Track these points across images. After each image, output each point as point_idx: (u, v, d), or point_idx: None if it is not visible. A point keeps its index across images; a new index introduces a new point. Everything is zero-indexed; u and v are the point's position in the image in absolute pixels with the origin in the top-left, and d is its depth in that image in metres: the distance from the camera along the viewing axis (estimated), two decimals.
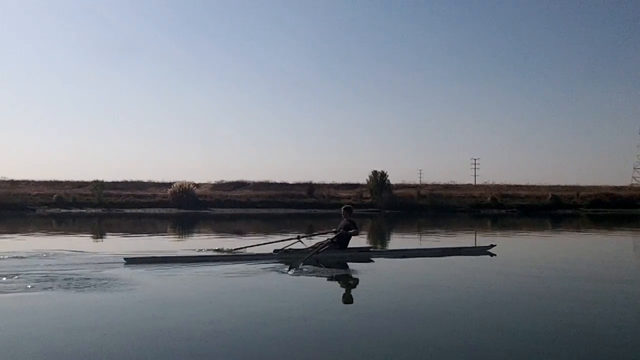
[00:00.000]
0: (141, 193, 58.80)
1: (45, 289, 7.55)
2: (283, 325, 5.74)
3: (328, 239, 11.91)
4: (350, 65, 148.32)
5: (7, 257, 11.02)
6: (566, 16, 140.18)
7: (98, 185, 56.36)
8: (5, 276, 8.44)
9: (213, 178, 73.53)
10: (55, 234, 21.45)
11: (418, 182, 76.97)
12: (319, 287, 8.59)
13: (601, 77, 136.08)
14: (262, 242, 13.02)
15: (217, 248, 12.80)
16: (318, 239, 12.45)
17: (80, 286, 7.73)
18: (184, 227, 28.83)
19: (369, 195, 58.63)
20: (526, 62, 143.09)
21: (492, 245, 13.15)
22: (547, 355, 4.78)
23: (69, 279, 8.28)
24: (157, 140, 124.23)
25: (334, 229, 12.09)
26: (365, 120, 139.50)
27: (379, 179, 58.40)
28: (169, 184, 58.80)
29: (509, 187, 71.19)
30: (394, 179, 69.85)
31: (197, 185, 66.72)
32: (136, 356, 4.65)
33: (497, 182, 75.97)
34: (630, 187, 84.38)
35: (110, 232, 23.76)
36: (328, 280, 9.19)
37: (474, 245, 14.42)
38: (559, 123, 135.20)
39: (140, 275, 8.90)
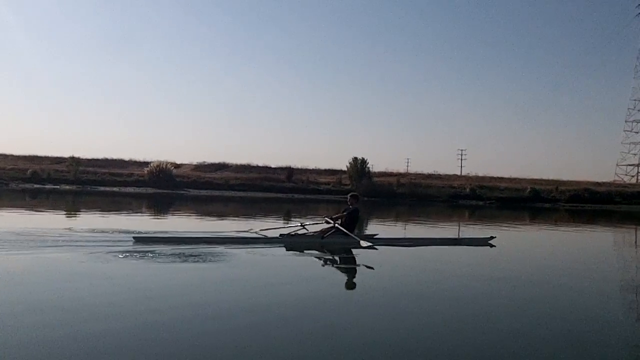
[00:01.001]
0: (118, 171, 59.09)
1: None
2: (284, 311, 5.93)
3: (333, 224, 12.24)
4: (339, 50, 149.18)
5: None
6: (554, 12, 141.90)
7: (74, 161, 56.57)
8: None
9: (195, 159, 74.02)
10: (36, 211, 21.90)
11: (402, 171, 78.00)
12: (323, 274, 8.95)
13: (588, 73, 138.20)
14: (266, 228, 13.43)
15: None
16: (323, 225, 12.79)
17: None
18: (151, 207, 29.44)
19: (348, 182, 59.10)
20: (516, 55, 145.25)
21: (492, 237, 13.64)
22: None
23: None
24: (142, 119, 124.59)
25: (337, 215, 12.58)
26: (353, 106, 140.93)
27: (359, 166, 59.04)
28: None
29: (492, 179, 72.38)
30: (381, 166, 71.04)
31: (178, 166, 67.21)
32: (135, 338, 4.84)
33: (482, 174, 77.31)
34: (613, 183, 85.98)
35: (82, 209, 24.29)
36: (332, 266, 9.69)
37: (474, 237, 14.94)
38: (546, 118, 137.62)
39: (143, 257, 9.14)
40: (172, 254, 9.26)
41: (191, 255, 9.26)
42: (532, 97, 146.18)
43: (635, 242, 19.47)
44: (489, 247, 13.04)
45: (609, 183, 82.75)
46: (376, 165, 71.04)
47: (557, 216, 37.35)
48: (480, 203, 55.24)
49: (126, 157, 69.98)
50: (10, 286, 6.54)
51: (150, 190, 50.88)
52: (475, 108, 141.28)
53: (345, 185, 58.93)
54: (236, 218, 21.62)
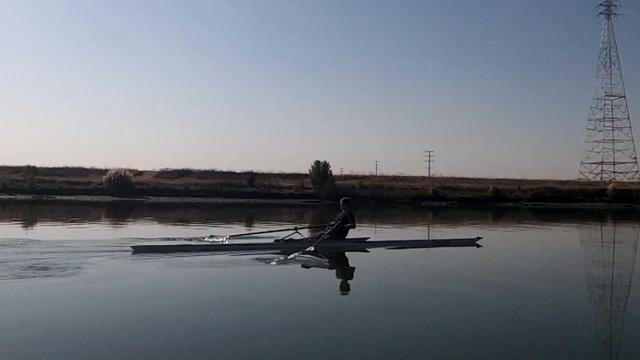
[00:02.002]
0: (76, 179, 59.03)
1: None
2: (281, 315, 6.06)
3: (328, 228, 12.52)
4: (304, 53, 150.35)
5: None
6: (518, 13, 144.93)
7: (30, 170, 56.44)
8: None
9: (159, 165, 74.22)
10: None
11: (371, 173, 79.03)
12: (318, 277, 9.22)
13: (553, 73, 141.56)
14: (260, 232, 13.78)
15: (216, 236, 13.21)
16: (316, 230, 13.05)
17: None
18: (107, 215, 29.53)
19: (311, 186, 59.79)
20: (482, 57, 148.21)
21: (479, 238, 14.04)
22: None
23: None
24: (104, 125, 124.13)
25: (332, 222, 12.70)
26: (321, 110, 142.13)
27: (321, 170, 59.67)
28: None
29: (457, 179, 73.83)
30: (352, 169, 72.09)
31: (141, 173, 67.28)
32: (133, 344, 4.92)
33: (450, 175, 78.82)
34: (578, 182, 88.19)
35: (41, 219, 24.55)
36: (327, 269, 9.97)
37: (462, 237, 15.31)
38: (513, 118, 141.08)
39: (144, 264, 9.34)
40: (171, 263, 9.50)
41: (190, 264, 9.54)
42: (499, 98, 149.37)
43: (602, 239, 20.32)
44: (476, 247, 13.53)
45: (573, 181, 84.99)
46: (346, 168, 72.32)
47: (519, 215, 38.47)
48: (443, 204, 56.52)
49: (87, 165, 69.85)
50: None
51: (108, 198, 51.02)
52: (443, 110, 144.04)
53: (308, 189, 59.71)
54: (197, 224, 22.07)
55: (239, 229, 18.26)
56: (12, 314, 5.85)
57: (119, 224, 22.35)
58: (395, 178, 75.13)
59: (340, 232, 12.54)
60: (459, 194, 62.00)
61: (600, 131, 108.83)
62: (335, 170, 71.12)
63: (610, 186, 71.37)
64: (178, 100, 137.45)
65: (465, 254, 12.44)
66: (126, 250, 10.69)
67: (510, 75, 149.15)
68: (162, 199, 51.94)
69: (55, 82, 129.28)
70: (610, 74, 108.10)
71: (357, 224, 13.01)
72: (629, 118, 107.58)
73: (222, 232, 14.33)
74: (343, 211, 12.84)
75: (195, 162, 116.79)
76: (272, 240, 12.35)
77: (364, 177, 71.77)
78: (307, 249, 10.92)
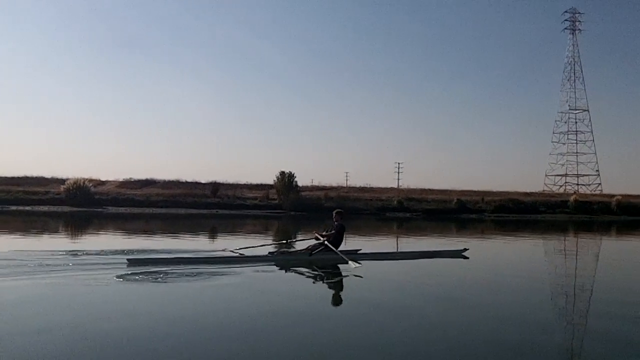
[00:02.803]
0: (34, 189, 58.13)
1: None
2: (274, 325, 6.32)
3: (320, 241, 12.75)
4: (277, 61, 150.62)
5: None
6: (486, 27, 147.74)
7: None
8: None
9: (122, 175, 73.47)
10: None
11: (337, 185, 79.52)
12: (313, 289, 9.54)
13: (520, 87, 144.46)
14: (254, 245, 13.99)
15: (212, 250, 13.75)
16: (308, 242, 13.32)
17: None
18: (61, 227, 29.34)
19: (276, 197, 59.86)
20: (449, 69, 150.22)
21: (466, 249, 14.80)
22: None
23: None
24: (67, 134, 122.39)
25: (324, 232, 13.06)
26: (292, 120, 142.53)
27: (286, 180, 59.81)
28: None
29: (424, 191, 74.82)
30: (321, 180, 72.54)
31: (103, 183, 66.63)
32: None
33: (419, 186, 79.98)
34: (542, 193, 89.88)
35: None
36: (321, 281, 10.33)
37: (449, 249, 15.83)
38: (480, 130, 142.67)
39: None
40: (166, 275, 9.65)
41: (186, 276, 9.65)
42: (467, 111, 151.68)
43: (565, 249, 20.91)
44: (462, 258, 14.10)
45: (537, 193, 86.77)
46: (316, 179, 72.74)
47: (483, 226, 39.22)
48: (408, 215, 57.15)
49: (48, 175, 68.60)
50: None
51: (66, 208, 50.42)
52: (413, 122, 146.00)
53: (273, 200, 59.81)
54: (159, 235, 22.04)
55: (225, 242, 18.37)
56: None
57: (57, 235, 22.26)
58: (363, 189, 75.69)
59: (334, 244, 12.72)
60: (423, 205, 62.84)
61: (564, 144, 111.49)
62: (305, 181, 71.98)
63: (571, 198, 72.96)
64: (143, 108, 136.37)
65: (450, 266, 12.99)
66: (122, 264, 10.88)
67: (478, 88, 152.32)
68: (121, 210, 51.46)
69: (17, 89, 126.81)
70: (575, 88, 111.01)
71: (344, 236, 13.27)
72: (592, 131, 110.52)
73: (213, 246, 14.82)
74: (336, 223, 13.11)
75: (160, 172, 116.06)
76: (266, 253, 12.58)
77: (331, 188, 72.16)
78: (302, 262, 11.21)
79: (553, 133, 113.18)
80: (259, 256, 12.36)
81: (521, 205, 66.65)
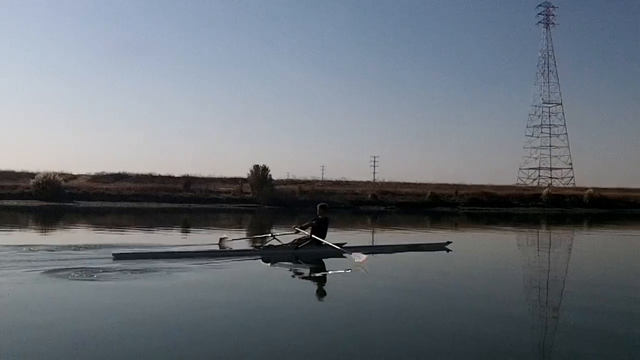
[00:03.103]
0: (3, 184, 57.16)
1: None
2: (261, 320, 6.37)
3: (304, 236, 12.87)
4: (251, 54, 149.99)
5: None
6: (461, 20, 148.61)
7: None
8: None
9: (94, 169, 72.83)
10: None
11: (313, 179, 79.53)
12: (298, 283, 9.67)
13: (495, 81, 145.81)
14: (239, 238, 14.21)
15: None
16: (294, 236, 13.35)
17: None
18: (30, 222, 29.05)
19: (249, 191, 59.61)
20: (424, 62, 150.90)
21: (449, 242, 15.07)
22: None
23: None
24: (36, 127, 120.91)
25: (305, 224, 13.15)
26: (268, 113, 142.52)
27: (260, 174, 59.54)
28: None
29: (399, 184, 75.13)
30: (298, 174, 72.69)
31: (75, 177, 65.87)
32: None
33: (395, 180, 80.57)
34: (515, 187, 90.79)
35: None
36: (306, 275, 10.49)
37: (433, 242, 15.97)
38: (455, 124, 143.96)
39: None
40: (151, 270, 9.63)
41: (173, 271, 9.64)
42: (442, 105, 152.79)
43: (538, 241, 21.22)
44: (446, 251, 14.41)
45: (511, 186, 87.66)
46: (293, 173, 72.78)
47: (456, 220, 39.58)
48: (382, 209, 57.43)
49: (18, 169, 67.62)
50: None
51: (36, 203, 49.76)
52: (389, 115, 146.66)
53: (247, 193, 59.59)
54: (129, 229, 21.88)
55: (201, 236, 18.34)
56: None
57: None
58: (338, 183, 75.82)
59: (320, 237, 12.80)
60: (397, 198, 63.16)
61: (538, 137, 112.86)
62: (281, 175, 71.83)
63: (544, 191, 73.79)
64: (116, 101, 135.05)
65: (434, 259, 13.35)
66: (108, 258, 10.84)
67: (452, 82, 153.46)
68: (92, 204, 50.87)
69: None
70: (548, 82, 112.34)
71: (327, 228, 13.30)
72: (565, 125, 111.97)
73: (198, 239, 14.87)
74: (320, 217, 13.20)
75: (133, 166, 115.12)
76: (252, 246, 12.90)
77: (305, 182, 72.13)
78: (288, 256, 11.29)
79: (527, 127, 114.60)
80: (246, 250, 12.53)
81: (494, 199, 67.35)
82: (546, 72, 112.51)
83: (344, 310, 7.14)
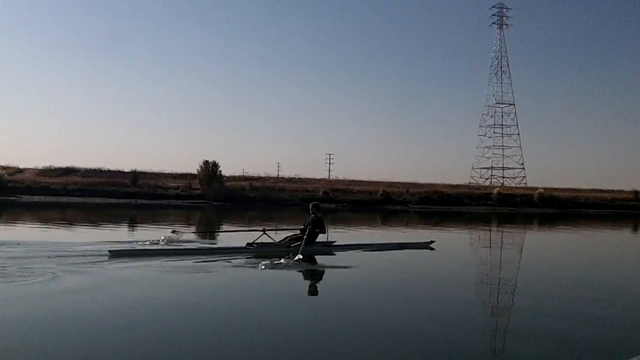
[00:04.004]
0: None
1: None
2: (254, 317, 6.69)
3: (297, 234, 13.26)
4: (206, 51, 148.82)
5: None
6: (415, 20, 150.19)
7: None
8: None
9: (42, 163, 71.44)
10: None
11: (269, 175, 79.54)
12: (292, 281, 9.86)
13: (450, 81, 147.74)
14: (227, 230, 14.58)
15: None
16: (286, 233, 13.83)
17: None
18: None
19: (199, 187, 59.15)
20: (379, 60, 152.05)
21: (432, 241, 15.81)
22: None
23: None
24: None
25: (301, 226, 13.53)
26: (222, 109, 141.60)
27: (210, 170, 59.15)
28: None
29: (353, 182, 75.83)
30: (253, 171, 72.56)
31: (21, 171, 64.62)
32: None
33: (351, 177, 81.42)
34: (468, 186, 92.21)
35: None
36: (298, 272, 10.64)
37: (417, 241, 16.61)
38: (410, 123, 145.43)
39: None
40: (148, 268, 9.84)
41: (166, 270, 9.85)
42: (398, 103, 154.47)
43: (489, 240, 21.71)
44: (429, 250, 15.07)
45: (463, 185, 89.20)
46: (248, 170, 72.64)
47: (407, 218, 39.98)
48: (333, 206, 57.60)
49: None
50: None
51: None
52: (345, 113, 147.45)
53: (195, 189, 59.17)
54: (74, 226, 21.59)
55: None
56: None
57: None
58: (291, 180, 75.85)
59: (311, 236, 13.09)
60: (349, 196, 63.60)
61: (491, 137, 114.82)
62: (237, 171, 71.39)
63: (495, 191, 74.97)
64: (64, 93, 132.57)
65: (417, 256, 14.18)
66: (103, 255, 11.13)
67: (407, 81, 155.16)
68: (36, 199, 49.89)
69: None
70: (501, 82, 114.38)
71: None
72: (517, 125, 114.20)
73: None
74: (313, 215, 13.49)
75: (82, 160, 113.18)
76: (244, 244, 12.94)
77: (258, 179, 71.98)
78: (296, 258, 11.27)
79: (480, 126, 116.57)
80: (239, 248, 12.78)
81: (445, 197, 68.42)
82: (499, 72, 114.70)
83: (329, 312, 7.34)
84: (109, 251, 11.34)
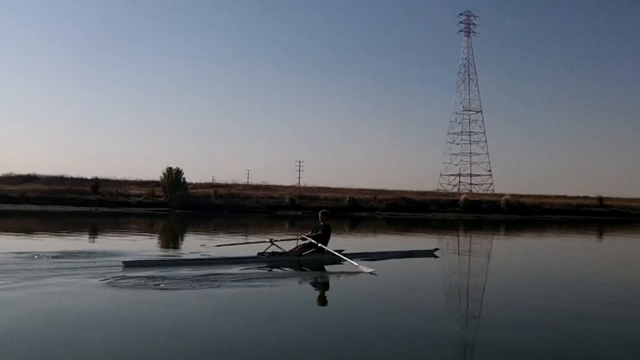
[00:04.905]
0: None
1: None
2: (267, 327, 6.82)
3: (306, 243, 13.28)
4: (174, 57, 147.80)
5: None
6: (383, 27, 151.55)
7: None
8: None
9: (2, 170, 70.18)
10: None
11: (238, 182, 78.88)
12: (306, 290, 10.20)
13: (419, 88, 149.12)
14: (237, 243, 14.75)
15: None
16: (293, 243, 13.73)
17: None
18: None
19: (162, 194, 58.55)
20: (351, 67, 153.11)
21: (437, 249, 16.28)
22: None
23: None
24: None
25: (309, 232, 13.57)
26: (189, 117, 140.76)
27: (173, 177, 58.59)
28: None
29: (321, 189, 76.01)
30: (222, 178, 72.17)
31: None
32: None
33: (321, 185, 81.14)
34: (436, 192, 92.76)
35: None
36: (311, 283, 10.98)
37: (423, 249, 16.86)
38: (381, 129, 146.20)
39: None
40: (163, 279, 9.80)
41: (181, 279, 9.87)
42: (368, 110, 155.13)
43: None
44: (434, 257, 15.27)
45: (431, 192, 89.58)
46: (217, 176, 72.32)
47: (375, 225, 40.10)
48: (300, 213, 57.43)
49: None
50: None
51: None
52: (314, 121, 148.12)
53: (159, 197, 58.54)
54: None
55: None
56: None
57: None
58: (258, 187, 75.66)
59: (323, 243, 13.24)
60: (316, 203, 63.37)
61: (458, 144, 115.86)
62: (207, 179, 71.13)
63: (462, 197, 75.60)
64: (27, 98, 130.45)
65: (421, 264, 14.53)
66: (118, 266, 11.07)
67: (376, 88, 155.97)
68: None
69: None
70: (469, 90, 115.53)
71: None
72: (485, 132, 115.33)
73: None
74: (322, 223, 13.65)
75: (43, 167, 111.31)
76: (255, 254, 12.99)
77: (225, 186, 71.56)
78: (292, 263, 12.01)
79: (448, 133, 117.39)
80: (250, 257, 12.83)
81: (412, 204, 68.92)
82: (467, 79, 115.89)
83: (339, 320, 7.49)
84: (122, 262, 11.33)
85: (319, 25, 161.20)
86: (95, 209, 51.55)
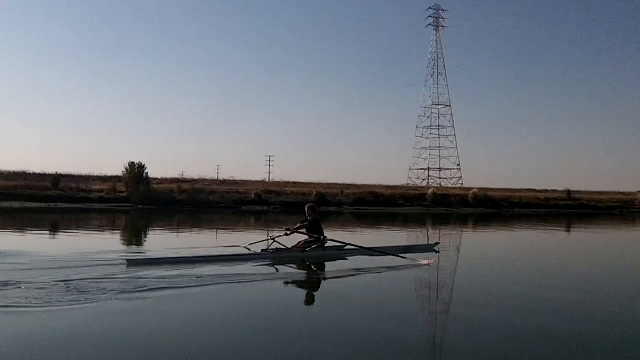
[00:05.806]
0: None
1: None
2: (274, 325, 7.02)
3: (308, 239, 13.59)
4: (141, 53, 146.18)
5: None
6: (353, 22, 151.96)
7: None
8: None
9: None
10: None
11: (207, 177, 78.55)
12: (313, 287, 10.41)
13: (387, 82, 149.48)
14: (235, 244, 14.70)
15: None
16: (295, 237, 14.02)
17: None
18: None
19: (124, 189, 57.89)
20: (315, 61, 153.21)
21: (437, 244, 16.43)
22: None
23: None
24: None
25: (297, 226, 13.87)
26: (158, 109, 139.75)
27: (136, 172, 57.95)
28: None
29: (289, 184, 76.25)
30: (192, 173, 71.83)
31: None
32: None
33: (292, 179, 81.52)
34: (405, 187, 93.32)
35: None
36: (318, 279, 11.24)
37: (423, 243, 16.76)
38: (348, 124, 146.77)
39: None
40: (169, 277, 9.93)
41: (193, 276, 10.09)
42: (337, 105, 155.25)
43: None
44: (435, 252, 15.36)
45: (400, 186, 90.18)
46: (187, 172, 71.96)
47: (342, 219, 40.31)
48: (265, 208, 57.43)
49: None
50: None
51: None
52: (283, 116, 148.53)
53: (121, 192, 57.94)
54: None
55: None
56: None
57: None
58: (225, 182, 75.29)
59: (320, 237, 13.56)
60: (282, 198, 63.37)
61: (427, 138, 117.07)
62: (175, 174, 70.54)
63: (429, 191, 76.11)
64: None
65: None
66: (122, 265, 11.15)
67: (344, 82, 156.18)
68: None
69: None
70: (438, 84, 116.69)
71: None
72: (453, 126, 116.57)
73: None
74: (309, 218, 13.80)
75: (6, 163, 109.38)
76: (259, 250, 13.30)
77: (189, 181, 71.12)
78: (296, 259, 12.66)
79: (417, 128, 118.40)
80: (257, 254, 13.08)
81: (380, 198, 69.24)
82: (436, 74, 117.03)
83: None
84: (126, 260, 11.39)
85: (287, 20, 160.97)
86: (55, 205, 50.89)
